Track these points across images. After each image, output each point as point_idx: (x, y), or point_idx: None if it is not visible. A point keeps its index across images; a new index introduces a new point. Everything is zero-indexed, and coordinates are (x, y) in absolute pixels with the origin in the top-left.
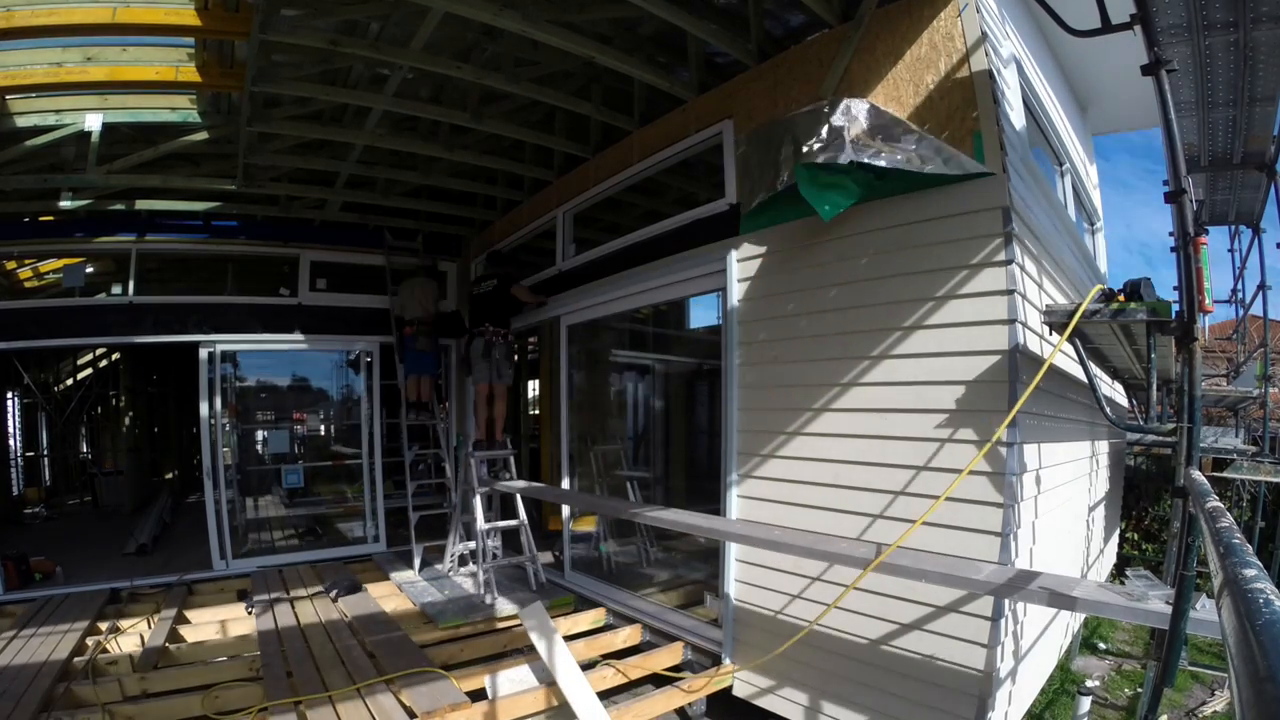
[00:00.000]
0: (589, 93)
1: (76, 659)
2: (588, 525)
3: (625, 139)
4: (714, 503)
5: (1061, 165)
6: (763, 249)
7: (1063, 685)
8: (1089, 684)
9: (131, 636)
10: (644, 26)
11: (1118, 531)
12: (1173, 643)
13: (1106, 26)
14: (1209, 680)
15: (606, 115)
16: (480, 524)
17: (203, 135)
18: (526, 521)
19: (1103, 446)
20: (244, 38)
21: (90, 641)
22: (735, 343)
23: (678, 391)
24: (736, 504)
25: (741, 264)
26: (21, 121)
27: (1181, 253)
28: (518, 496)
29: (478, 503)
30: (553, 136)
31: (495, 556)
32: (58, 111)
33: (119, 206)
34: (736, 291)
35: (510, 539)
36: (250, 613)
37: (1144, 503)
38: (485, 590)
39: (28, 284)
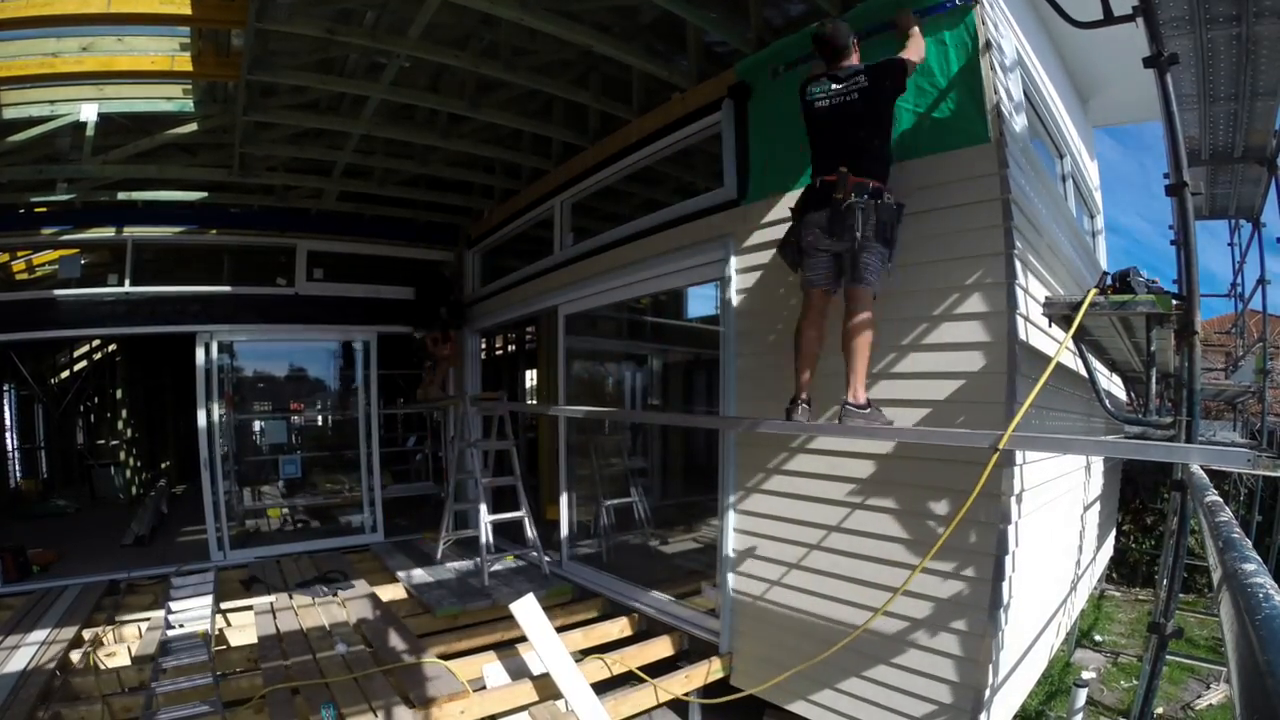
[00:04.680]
0: (587, 81)
1: (74, 651)
2: (587, 515)
3: (624, 128)
4: (712, 493)
5: (1062, 157)
6: (764, 239)
7: (1061, 678)
8: (1085, 676)
9: (130, 628)
10: (643, 15)
11: (1114, 529)
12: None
13: (1109, 18)
14: (1205, 673)
15: (605, 104)
16: (484, 515)
17: (199, 125)
18: (529, 512)
19: None
20: (240, 26)
21: (88, 634)
22: (734, 332)
23: (676, 381)
24: (735, 496)
25: (741, 256)
26: (16, 112)
27: (1182, 246)
28: (520, 489)
29: (481, 493)
30: (551, 125)
31: (490, 547)
32: (52, 102)
33: (114, 197)
34: (736, 281)
35: (508, 527)
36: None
37: (1141, 496)
38: (483, 579)
39: (19, 277)
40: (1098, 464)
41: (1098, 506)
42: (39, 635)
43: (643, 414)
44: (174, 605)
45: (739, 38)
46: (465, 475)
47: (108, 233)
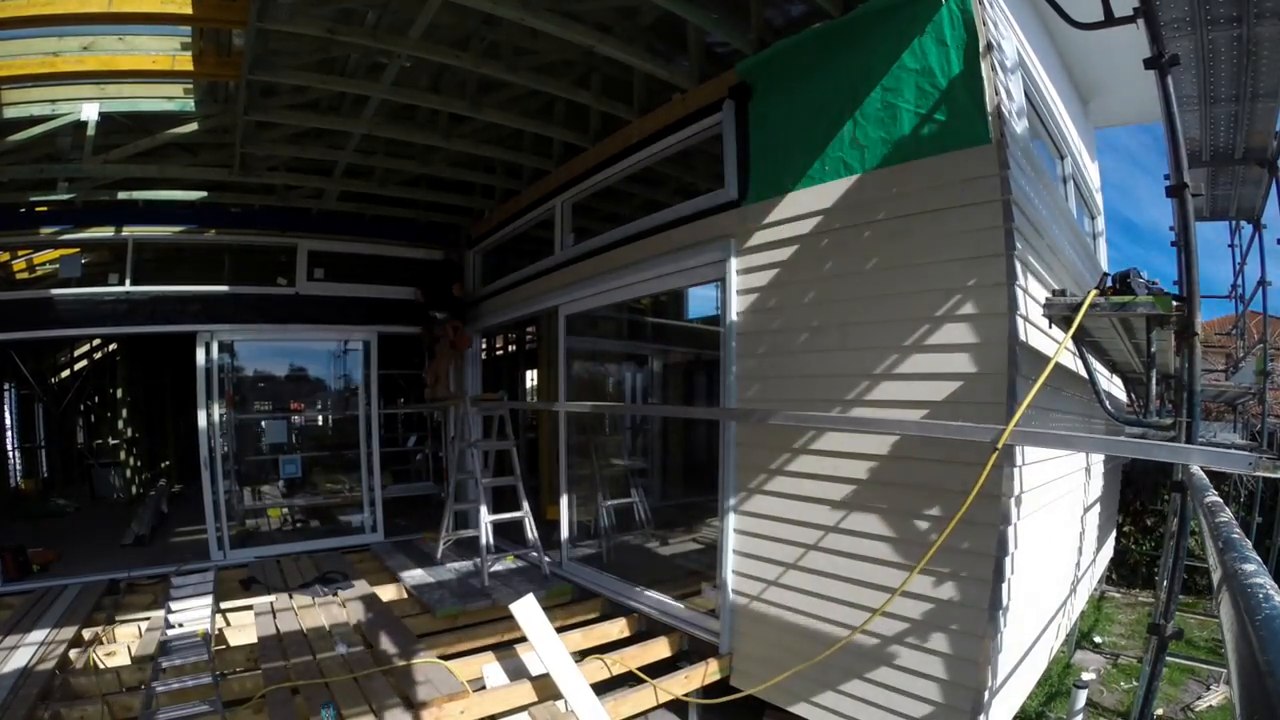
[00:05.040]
0: (588, 82)
1: (74, 650)
2: (587, 515)
3: (625, 128)
4: (712, 494)
5: (1063, 159)
6: (765, 240)
7: (1061, 679)
8: (1085, 677)
9: (130, 627)
10: (644, 15)
11: (1114, 531)
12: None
13: (1109, 20)
14: (1204, 675)
15: (606, 105)
16: (484, 515)
17: (199, 125)
18: (529, 512)
19: None
20: (241, 26)
21: (88, 633)
22: (735, 333)
23: (676, 381)
24: (735, 498)
25: (742, 257)
26: (17, 112)
27: (1182, 248)
28: (520, 489)
29: (481, 493)
30: (552, 126)
31: (490, 548)
32: (53, 101)
33: (115, 196)
34: (737, 282)
35: (509, 527)
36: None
37: (1141, 498)
38: (483, 580)
39: (20, 276)
40: (1098, 466)
41: (1098, 508)
42: (39, 634)
43: (645, 407)
44: (174, 605)
45: (740, 38)
46: (465, 475)
47: (108, 232)
